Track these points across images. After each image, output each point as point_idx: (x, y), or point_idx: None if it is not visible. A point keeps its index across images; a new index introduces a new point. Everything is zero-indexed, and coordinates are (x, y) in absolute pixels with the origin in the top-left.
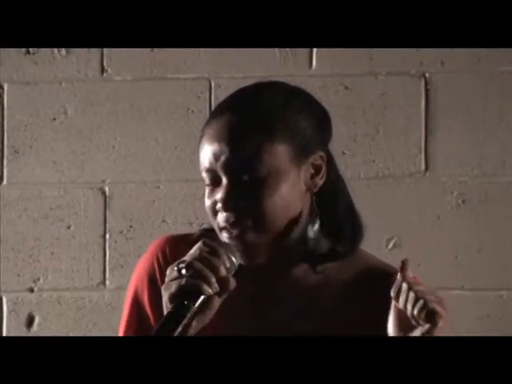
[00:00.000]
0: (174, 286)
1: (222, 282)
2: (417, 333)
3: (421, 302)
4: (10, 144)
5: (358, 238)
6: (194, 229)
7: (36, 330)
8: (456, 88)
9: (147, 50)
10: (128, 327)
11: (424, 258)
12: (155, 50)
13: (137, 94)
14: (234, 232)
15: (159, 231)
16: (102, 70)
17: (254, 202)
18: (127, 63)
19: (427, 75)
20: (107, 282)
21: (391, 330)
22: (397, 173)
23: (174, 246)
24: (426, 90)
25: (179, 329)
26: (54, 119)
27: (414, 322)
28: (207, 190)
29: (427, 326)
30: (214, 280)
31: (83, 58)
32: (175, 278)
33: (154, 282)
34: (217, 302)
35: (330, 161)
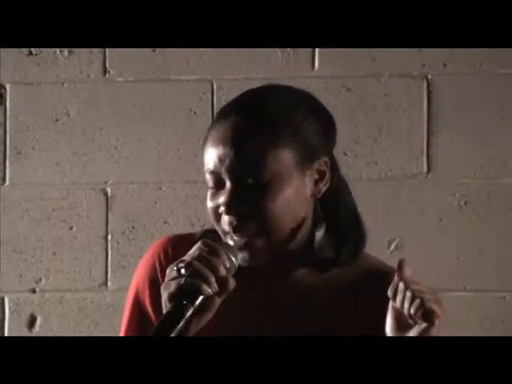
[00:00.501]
0: (173, 286)
1: (222, 281)
2: (414, 332)
3: (417, 301)
4: (12, 145)
5: (361, 245)
6: (196, 230)
7: (38, 331)
8: (458, 90)
9: (149, 52)
10: (129, 327)
11: (426, 260)
12: (157, 51)
13: (139, 95)
14: (237, 236)
15: (161, 232)
16: (105, 71)
17: (258, 206)
18: (129, 64)
19: (429, 77)
20: (109, 283)
21: (389, 329)
22: (399, 174)
23: (176, 246)
24: (428, 92)
25: (178, 328)
26: (57, 120)
27: (410, 321)
28: (210, 192)
29: (424, 325)
30: (213, 280)
31: (85, 59)
32: (174, 278)
33: (155, 282)
34: (216, 302)
35: (334, 166)
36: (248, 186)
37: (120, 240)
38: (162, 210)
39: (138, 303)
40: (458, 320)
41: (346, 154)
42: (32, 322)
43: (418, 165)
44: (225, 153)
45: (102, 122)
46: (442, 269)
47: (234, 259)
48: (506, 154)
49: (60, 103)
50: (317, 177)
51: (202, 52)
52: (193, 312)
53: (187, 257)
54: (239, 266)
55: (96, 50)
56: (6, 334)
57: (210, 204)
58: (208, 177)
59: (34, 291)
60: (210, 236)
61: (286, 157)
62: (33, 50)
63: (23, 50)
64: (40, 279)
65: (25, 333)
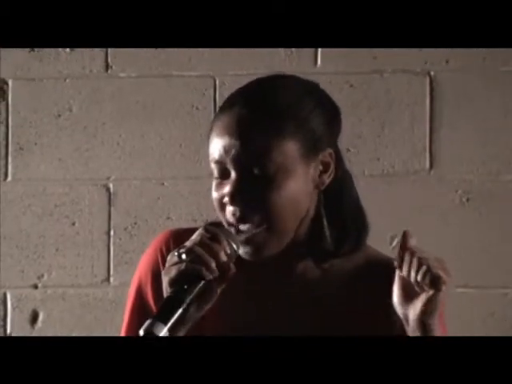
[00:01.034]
0: (173, 271)
1: (222, 267)
2: (421, 300)
3: (424, 268)
4: (14, 141)
5: (363, 237)
6: (199, 225)
7: (40, 327)
8: (461, 86)
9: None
10: (131, 320)
11: None
12: None
13: (141, 91)
14: (241, 226)
15: (164, 228)
16: (107, 66)
17: (262, 197)
18: (132, 60)
19: (432, 73)
20: (111, 279)
21: (396, 299)
22: (401, 171)
23: (178, 240)
24: (431, 88)
25: (178, 313)
26: (59, 116)
27: (417, 289)
28: (215, 182)
29: (431, 291)
30: (213, 265)
31: (88, 55)
32: (175, 263)
33: (157, 276)
34: (217, 288)
35: (338, 157)
36: (253, 177)
37: (122, 236)
38: (164, 206)
39: (140, 296)
40: (460, 317)
41: (348, 150)
42: (34, 317)
43: (420, 161)
44: (230, 143)
45: (105, 118)
46: None
47: (234, 245)
48: (508, 151)
49: (62, 99)
50: (321, 168)
51: (205, 48)
52: (193, 297)
53: (188, 242)
54: (242, 259)
55: None
56: (9, 330)
57: (214, 194)
58: (213, 166)
59: (36, 287)
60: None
61: (291, 148)
62: None
63: None
64: (42, 275)
65: (27, 329)
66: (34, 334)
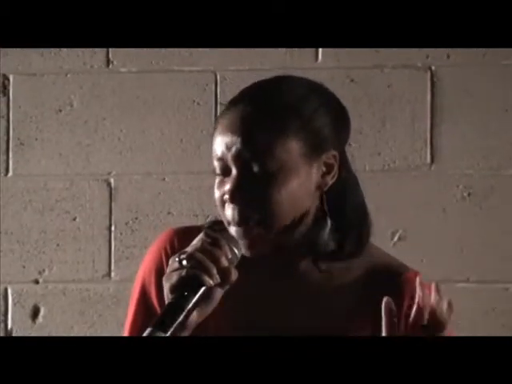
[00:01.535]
0: (174, 277)
1: (224, 273)
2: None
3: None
4: (15, 136)
5: (364, 238)
6: (200, 221)
7: (41, 322)
8: (462, 81)
9: None
10: (135, 319)
11: (429, 251)
12: None
13: (142, 86)
14: (239, 224)
15: (164, 223)
16: (108, 61)
17: (262, 195)
18: (133, 55)
19: (433, 68)
20: (112, 274)
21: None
22: (402, 166)
23: (183, 238)
24: (432, 83)
25: (179, 319)
26: (60, 111)
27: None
28: (217, 180)
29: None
30: (214, 271)
31: (89, 50)
32: (176, 269)
33: (161, 275)
34: (218, 294)
35: (343, 161)
36: (253, 175)
37: (123, 231)
38: (165, 201)
39: (144, 295)
40: (461, 311)
41: (349, 144)
42: (35, 313)
43: (421, 156)
44: (232, 140)
45: (106, 113)
46: (445, 260)
47: (236, 250)
48: (509, 145)
49: (63, 94)
50: (324, 169)
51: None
52: (195, 303)
53: (189, 248)
54: (242, 258)
55: None
56: (10, 326)
57: (216, 192)
58: (216, 163)
59: (37, 282)
60: (216, 227)
61: (293, 147)
62: None
63: None
64: (43, 270)
65: (28, 324)
66: (35, 330)
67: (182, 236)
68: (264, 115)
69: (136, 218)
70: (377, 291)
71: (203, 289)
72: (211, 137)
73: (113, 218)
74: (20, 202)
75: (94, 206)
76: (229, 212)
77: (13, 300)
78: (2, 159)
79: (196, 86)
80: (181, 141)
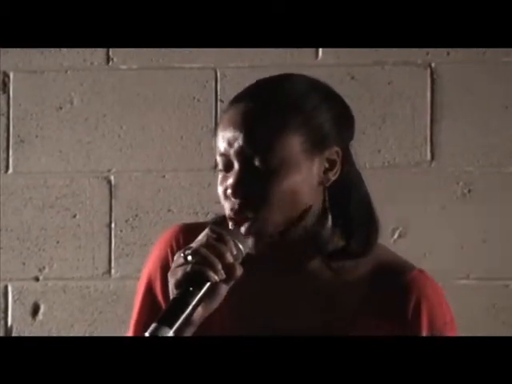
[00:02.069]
0: (179, 273)
1: (228, 268)
2: None
3: None
4: (15, 133)
5: (372, 237)
6: (200, 218)
7: (41, 319)
8: (462, 78)
9: None
10: (140, 314)
11: (429, 248)
12: None
13: (142, 83)
14: (240, 219)
15: (165, 220)
16: (108, 58)
17: (263, 190)
18: (133, 52)
19: (433, 65)
20: (112, 271)
21: None
22: (403, 162)
23: (188, 234)
24: (432, 80)
25: (184, 315)
26: (60, 108)
27: None
28: (220, 175)
29: None
30: (219, 267)
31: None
32: (181, 265)
33: (167, 270)
34: (223, 289)
35: (347, 158)
36: (255, 170)
37: (123, 228)
38: (165, 198)
39: (149, 290)
40: (461, 308)
41: None
42: (35, 310)
43: (421, 153)
44: (234, 136)
45: (106, 110)
46: (445, 257)
47: (241, 246)
48: (509, 142)
49: (63, 91)
50: (326, 165)
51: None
52: (199, 299)
53: (195, 244)
54: (246, 254)
55: None
56: (10, 323)
57: (219, 187)
58: (219, 159)
59: (37, 279)
60: (221, 223)
61: (294, 143)
62: None
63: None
64: (43, 267)
65: (28, 321)
66: (35, 327)
67: (188, 232)
68: (266, 111)
69: (136, 215)
70: (382, 290)
71: (208, 284)
72: (211, 134)
73: (113, 215)
74: (20, 199)
75: (94, 203)
76: (229, 206)
77: (13, 297)
78: (2, 156)
79: (196, 83)
80: (181, 138)
